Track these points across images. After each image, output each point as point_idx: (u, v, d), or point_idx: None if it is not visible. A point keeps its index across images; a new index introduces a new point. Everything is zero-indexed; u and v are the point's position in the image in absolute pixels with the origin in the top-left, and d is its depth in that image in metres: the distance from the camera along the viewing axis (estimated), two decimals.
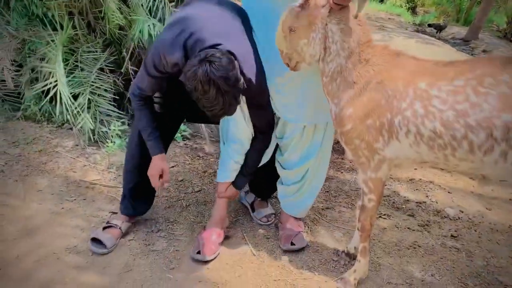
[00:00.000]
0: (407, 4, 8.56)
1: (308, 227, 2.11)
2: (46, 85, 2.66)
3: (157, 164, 1.80)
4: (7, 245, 1.85)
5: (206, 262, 1.84)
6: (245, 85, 1.58)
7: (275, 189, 2.13)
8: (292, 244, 1.95)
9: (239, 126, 1.87)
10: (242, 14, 1.76)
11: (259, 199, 2.23)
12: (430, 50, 4.90)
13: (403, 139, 1.47)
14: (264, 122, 1.86)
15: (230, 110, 1.55)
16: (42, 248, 1.85)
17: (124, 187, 1.97)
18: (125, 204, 1.97)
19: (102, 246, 1.86)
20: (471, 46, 6.23)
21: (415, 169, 2.75)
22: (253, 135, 1.89)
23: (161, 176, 1.82)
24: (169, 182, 1.86)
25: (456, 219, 2.30)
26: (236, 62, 1.53)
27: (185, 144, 2.84)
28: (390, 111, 1.46)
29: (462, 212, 2.36)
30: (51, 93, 2.62)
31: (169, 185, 2.31)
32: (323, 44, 1.54)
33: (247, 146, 1.91)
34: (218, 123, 2.13)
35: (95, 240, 1.87)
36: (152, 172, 1.81)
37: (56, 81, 2.58)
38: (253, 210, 2.20)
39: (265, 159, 2.00)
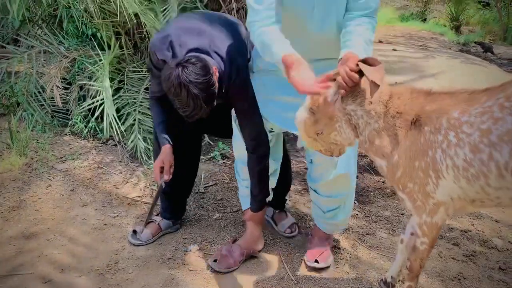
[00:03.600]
0: (450, 23, 8.37)
1: (348, 253, 2.07)
2: (93, 103, 2.76)
3: (163, 154, 1.89)
4: (53, 258, 1.91)
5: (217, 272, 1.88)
6: (230, 86, 1.70)
7: (287, 190, 2.21)
8: (316, 261, 1.93)
9: (236, 140, 1.92)
10: (233, 25, 1.84)
11: (277, 211, 2.24)
12: (476, 71, 4.77)
13: (446, 175, 1.39)
14: (250, 135, 1.84)
15: (201, 113, 1.62)
16: (84, 263, 1.90)
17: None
18: (162, 204, 2.15)
19: (137, 239, 2.04)
20: None
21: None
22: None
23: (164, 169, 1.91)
24: (168, 174, 1.90)
25: (504, 250, 2.19)
26: (211, 67, 1.61)
27: (224, 163, 2.87)
28: (430, 147, 1.40)
29: (511, 243, 2.25)
30: (98, 112, 2.72)
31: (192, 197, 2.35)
32: (351, 125, 1.50)
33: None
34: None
35: (134, 232, 2.05)
36: (156, 163, 1.91)
37: (103, 99, 2.67)
38: (276, 224, 2.21)
39: (273, 179, 2.01)
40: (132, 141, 2.73)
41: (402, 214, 2.38)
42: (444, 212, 1.49)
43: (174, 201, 2.15)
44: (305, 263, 1.97)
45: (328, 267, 1.95)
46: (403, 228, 2.23)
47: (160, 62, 1.73)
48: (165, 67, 1.63)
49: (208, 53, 1.71)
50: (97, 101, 2.72)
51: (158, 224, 2.10)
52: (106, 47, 2.95)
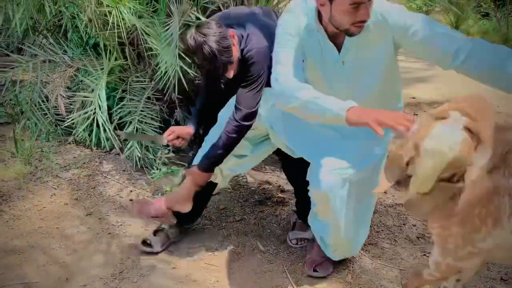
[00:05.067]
0: None
1: (351, 263, 2.08)
2: (87, 112, 2.76)
3: (179, 128, 2.10)
4: (58, 267, 1.93)
5: None
6: (248, 53, 1.84)
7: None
8: (315, 270, 1.95)
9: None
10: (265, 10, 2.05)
11: (300, 220, 2.23)
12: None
13: (506, 224, 1.23)
14: (246, 105, 1.88)
15: (219, 69, 1.80)
16: (89, 272, 1.91)
17: None
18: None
19: (149, 246, 2.06)
20: None
21: None
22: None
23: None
24: (173, 143, 2.06)
25: None
26: (227, 30, 1.81)
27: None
28: (498, 193, 1.23)
29: None
30: (88, 121, 2.69)
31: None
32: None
33: None
34: None
35: (144, 243, 2.06)
36: (167, 131, 2.06)
37: (95, 109, 2.67)
38: (292, 229, 2.22)
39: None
40: (129, 150, 2.73)
41: (404, 224, 2.40)
42: (478, 262, 1.32)
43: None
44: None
45: (327, 276, 1.96)
46: (405, 238, 2.25)
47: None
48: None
49: (231, 27, 1.89)
50: (91, 110, 2.70)
51: (167, 233, 2.11)
52: (105, 58, 2.96)
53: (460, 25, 8.81)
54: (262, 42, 1.86)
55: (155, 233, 2.10)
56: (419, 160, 1.19)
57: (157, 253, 2.05)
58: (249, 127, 1.91)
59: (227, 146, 1.92)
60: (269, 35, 1.85)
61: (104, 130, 2.73)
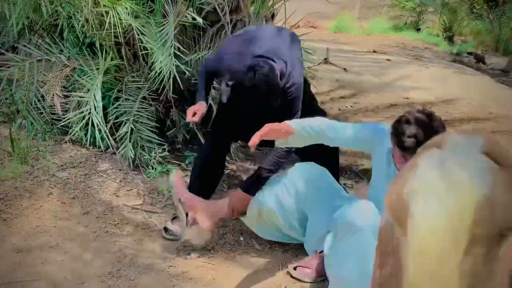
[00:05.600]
0: (444, 34, 8.49)
1: None
2: (82, 112, 2.78)
3: (198, 105, 2.21)
4: (56, 265, 1.95)
5: None
6: (289, 89, 2.01)
7: None
8: (294, 268, 1.97)
9: None
10: (292, 37, 2.23)
11: None
12: (468, 82, 4.87)
13: None
14: None
15: (265, 110, 1.94)
16: (87, 270, 1.93)
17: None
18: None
19: (171, 234, 2.18)
20: (511, 77, 6.12)
21: None
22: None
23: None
24: (199, 118, 2.19)
25: None
26: (276, 69, 1.93)
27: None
28: None
29: None
30: (84, 121, 2.72)
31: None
32: None
33: None
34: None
35: (165, 230, 2.20)
36: (190, 108, 2.20)
37: (90, 109, 2.69)
38: None
39: None
40: (123, 149, 2.74)
41: None
42: None
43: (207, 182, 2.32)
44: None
45: (302, 281, 1.95)
46: None
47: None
48: (237, 71, 1.96)
49: (272, 59, 2.01)
50: (86, 110, 2.72)
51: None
52: (101, 58, 2.98)
53: (453, 26, 8.89)
54: (300, 79, 2.08)
55: (172, 220, 2.22)
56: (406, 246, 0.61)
57: (179, 239, 2.15)
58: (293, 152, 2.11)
59: (272, 170, 2.07)
60: (302, 67, 2.14)
61: (99, 130, 2.75)
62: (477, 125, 3.93)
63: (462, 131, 0.92)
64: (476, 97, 4.42)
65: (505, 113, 4.17)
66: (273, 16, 4.54)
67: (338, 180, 2.41)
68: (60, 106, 2.96)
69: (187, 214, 2.07)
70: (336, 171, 2.42)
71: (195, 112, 2.17)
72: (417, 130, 1.56)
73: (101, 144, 2.79)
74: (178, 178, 2.18)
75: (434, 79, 4.75)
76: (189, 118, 2.18)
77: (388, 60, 5.59)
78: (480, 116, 4.08)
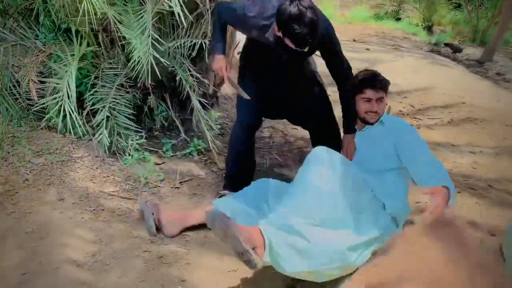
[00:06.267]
0: (423, 23, 8.60)
1: None
2: (56, 98, 2.77)
3: (219, 61, 2.32)
4: (31, 251, 1.97)
5: None
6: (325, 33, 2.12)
7: None
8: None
9: None
10: None
11: None
12: (443, 72, 4.98)
13: None
14: (345, 65, 2.31)
15: (311, 41, 1.97)
16: (62, 255, 1.96)
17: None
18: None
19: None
20: (485, 68, 6.26)
21: None
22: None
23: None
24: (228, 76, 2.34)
25: None
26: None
27: (200, 158, 2.95)
28: None
29: None
30: (56, 107, 2.71)
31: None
32: None
33: None
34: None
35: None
36: (216, 66, 2.34)
37: (63, 95, 2.68)
38: None
39: None
40: (99, 135, 2.75)
41: None
42: None
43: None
44: None
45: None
46: None
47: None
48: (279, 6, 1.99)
49: None
50: (59, 97, 2.71)
51: None
52: (76, 44, 2.94)
53: (432, 15, 9.00)
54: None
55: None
56: None
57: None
58: None
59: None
60: None
61: (72, 117, 2.73)
62: (451, 114, 4.05)
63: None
64: (450, 87, 4.53)
65: (477, 102, 4.30)
66: None
67: None
68: (36, 92, 2.95)
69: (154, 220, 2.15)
70: None
71: (227, 69, 2.32)
72: None
73: (72, 132, 2.78)
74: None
75: (410, 69, 4.85)
76: (226, 75, 2.32)
77: (367, 49, 5.66)
78: (453, 104, 4.20)
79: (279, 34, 2.02)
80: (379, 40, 6.59)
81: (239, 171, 2.54)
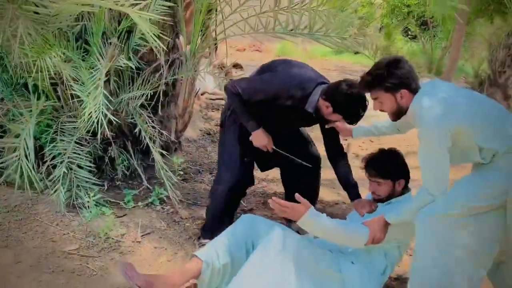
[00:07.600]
0: (381, 56, 8.96)
1: None
2: (13, 157, 2.74)
3: (262, 135, 2.43)
4: None
5: None
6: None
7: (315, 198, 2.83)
8: None
9: None
10: None
11: None
12: None
13: None
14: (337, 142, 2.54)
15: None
16: None
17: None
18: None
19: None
20: None
21: None
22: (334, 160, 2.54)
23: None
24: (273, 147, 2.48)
25: None
26: None
27: (162, 208, 2.96)
28: None
29: None
30: (15, 164, 2.70)
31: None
32: None
33: None
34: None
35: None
36: (261, 143, 2.44)
37: (20, 154, 2.68)
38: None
39: None
40: (55, 192, 2.73)
41: None
42: None
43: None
44: None
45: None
46: None
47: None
48: (330, 88, 2.27)
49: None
50: (16, 156, 2.70)
51: None
52: (33, 100, 2.93)
53: (390, 46, 9.39)
54: None
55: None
56: None
57: None
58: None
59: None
60: None
61: (30, 176, 2.71)
62: (408, 147, 4.18)
63: None
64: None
65: None
66: (216, 48, 4.68)
67: (317, 196, 2.86)
68: None
69: None
70: (316, 188, 2.84)
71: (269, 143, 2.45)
72: None
73: (29, 189, 2.74)
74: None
75: (371, 101, 5.00)
76: (271, 148, 2.46)
77: None
78: (410, 138, 4.34)
79: (328, 109, 2.26)
80: (339, 75, 6.82)
81: (220, 226, 2.39)
